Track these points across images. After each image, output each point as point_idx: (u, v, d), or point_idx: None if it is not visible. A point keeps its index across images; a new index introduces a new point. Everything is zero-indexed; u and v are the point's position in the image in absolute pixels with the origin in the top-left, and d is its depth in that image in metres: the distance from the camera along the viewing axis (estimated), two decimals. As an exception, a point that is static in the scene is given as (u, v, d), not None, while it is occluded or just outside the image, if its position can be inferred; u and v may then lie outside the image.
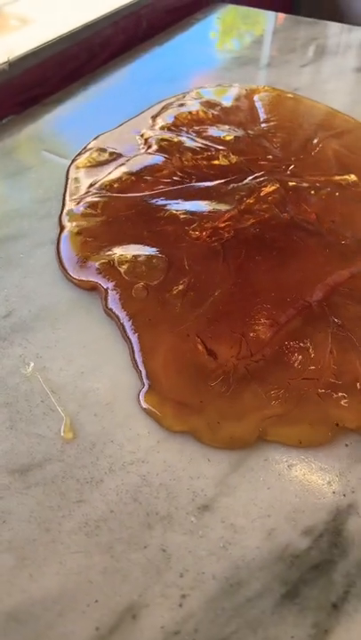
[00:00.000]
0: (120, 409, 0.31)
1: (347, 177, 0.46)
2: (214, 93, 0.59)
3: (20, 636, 0.23)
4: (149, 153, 0.49)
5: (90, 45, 0.65)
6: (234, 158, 0.48)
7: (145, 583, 0.24)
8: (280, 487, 0.28)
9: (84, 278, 0.37)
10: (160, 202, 0.43)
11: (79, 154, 0.49)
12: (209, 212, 0.41)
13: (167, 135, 0.50)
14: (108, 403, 0.31)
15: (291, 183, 0.45)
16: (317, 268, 0.37)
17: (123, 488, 0.27)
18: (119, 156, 0.49)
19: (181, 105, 0.56)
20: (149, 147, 0.49)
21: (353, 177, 0.46)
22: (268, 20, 0.80)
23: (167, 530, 0.26)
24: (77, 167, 0.48)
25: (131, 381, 0.32)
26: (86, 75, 0.64)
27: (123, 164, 0.47)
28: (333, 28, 0.76)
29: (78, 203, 0.43)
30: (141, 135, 0.51)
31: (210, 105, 0.56)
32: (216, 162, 0.47)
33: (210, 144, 0.50)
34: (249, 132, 0.52)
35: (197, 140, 0.50)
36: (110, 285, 0.36)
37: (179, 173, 0.46)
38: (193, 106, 0.55)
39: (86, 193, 0.44)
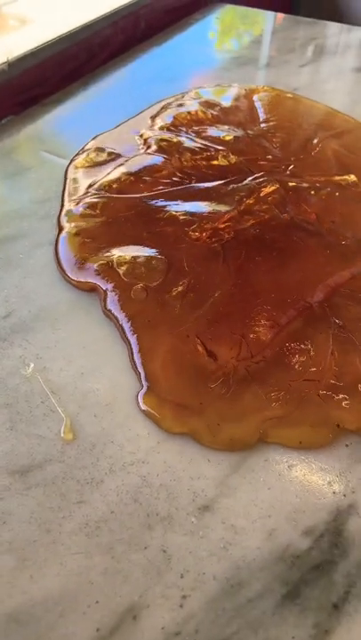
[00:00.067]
0: (120, 410, 0.31)
1: (347, 177, 0.46)
2: (213, 93, 0.59)
3: (20, 638, 0.23)
4: (149, 153, 0.49)
5: (89, 45, 0.65)
6: (233, 158, 0.48)
7: (145, 584, 0.24)
8: (280, 487, 0.28)
9: (82, 279, 0.37)
10: (160, 203, 0.43)
11: (77, 154, 0.49)
12: (209, 212, 0.41)
13: (166, 135, 0.50)
14: (107, 403, 0.31)
15: (291, 183, 0.45)
16: (318, 268, 0.37)
17: (123, 489, 0.27)
18: (118, 156, 0.49)
19: (180, 105, 0.56)
20: (148, 147, 0.49)
21: (353, 177, 0.46)
22: (267, 19, 0.80)
23: (168, 530, 0.26)
24: (76, 167, 0.48)
25: (131, 382, 0.32)
26: (85, 75, 0.64)
27: (122, 165, 0.47)
28: (333, 27, 0.76)
29: (77, 203, 0.43)
30: (140, 135, 0.51)
31: (209, 105, 0.56)
32: (215, 162, 0.47)
33: (209, 144, 0.50)
34: (248, 132, 0.52)
35: (197, 140, 0.50)
36: (109, 287, 0.36)
37: (178, 174, 0.46)
38: (192, 106, 0.55)
39: (85, 193, 0.44)
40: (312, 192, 0.44)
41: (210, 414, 0.30)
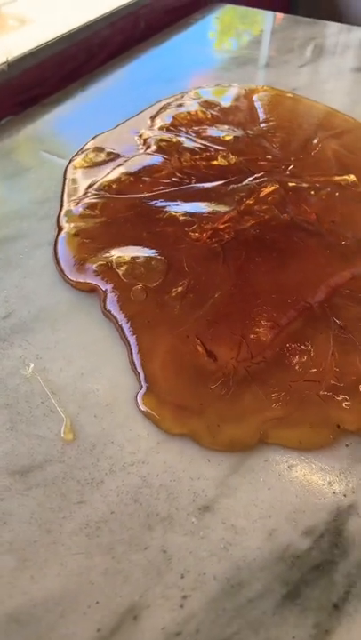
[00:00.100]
0: (120, 410, 0.31)
1: (347, 177, 0.46)
2: (213, 93, 0.59)
3: (21, 638, 0.23)
4: (148, 153, 0.49)
5: (88, 46, 0.65)
6: (233, 158, 0.48)
7: (146, 584, 0.24)
8: (281, 488, 0.28)
9: (81, 280, 0.37)
10: (159, 203, 0.43)
11: (76, 154, 0.49)
12: (208, 213, 0.41)
13: (166, 135, 0.50)
14: (107, 404, 0.31)
15: (290, 183, 0.45)
16: (318, 268, 0.37)
17: (123, 489, 0.27)
18: (117, 156, 0.49)
19: (180, 105, 0.56)
20: (148, 147, 0.49)
21: (353, 177, 0.46)
22: (267, 19, 0.80)
23: (168, 531, 0.26)
24: (75, 168, 0.48)
25: (130, 383, 0.32)
26: (85, 75, 0.64)
27: (121, 165, 0.47)
28: (332, 27, 0.76)
29: (77, 204, 0.43)
30: (140, 135, 0.51)
31: (209, 105, 0.56)
32: (215, 162, 0.47)
33: (209, 144, 0.50)
34: (248, 132, 0.52)
35: (196, 140, 0.50)
36: (109, 287, 0.36)
37: (178, 174, 0.46)
38: (192, 106, 0.55)
39: (85, 194, 0.44)
40: (312, 192, 0.44)
41: (210, 415, 0.30)
